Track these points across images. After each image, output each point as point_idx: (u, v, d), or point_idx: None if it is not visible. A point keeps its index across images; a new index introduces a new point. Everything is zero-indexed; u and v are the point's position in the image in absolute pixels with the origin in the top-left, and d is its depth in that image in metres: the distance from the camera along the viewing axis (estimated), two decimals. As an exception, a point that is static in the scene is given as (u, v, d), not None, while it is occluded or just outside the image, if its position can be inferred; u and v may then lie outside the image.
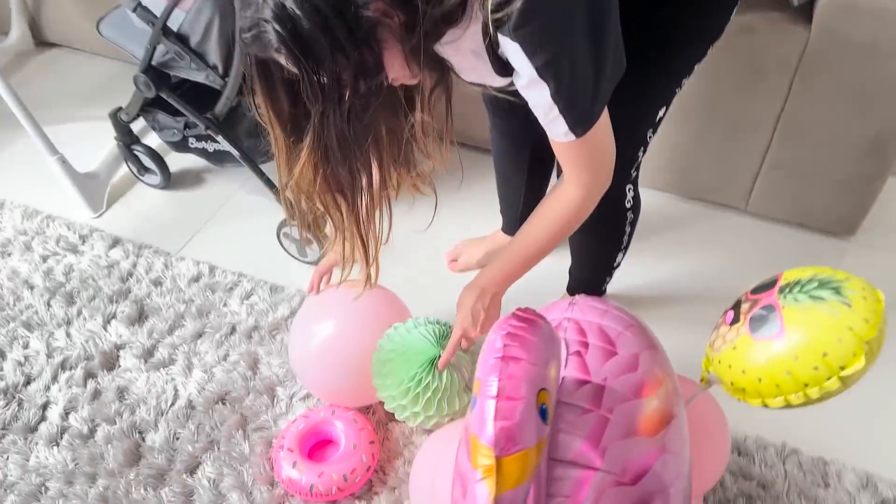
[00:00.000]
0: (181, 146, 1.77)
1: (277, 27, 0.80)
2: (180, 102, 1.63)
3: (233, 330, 1.59)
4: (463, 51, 0.93)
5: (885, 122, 1.55)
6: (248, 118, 1.65)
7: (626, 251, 1.45)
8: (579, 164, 1.01)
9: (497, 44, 0.90)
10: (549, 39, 0.86)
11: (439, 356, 1.18)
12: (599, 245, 1.40)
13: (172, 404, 1.47)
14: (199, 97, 1.66)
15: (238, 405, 1.45)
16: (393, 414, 1.41)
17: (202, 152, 1.75)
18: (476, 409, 0.56)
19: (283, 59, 0.85)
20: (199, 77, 1.56)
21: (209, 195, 1.96)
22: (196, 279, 1.71)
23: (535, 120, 0.98)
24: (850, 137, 1.60)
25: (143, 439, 1.41)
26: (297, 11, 0.79)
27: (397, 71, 0.89)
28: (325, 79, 0.84)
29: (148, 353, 1.56)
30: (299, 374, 1.41)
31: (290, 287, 1.68)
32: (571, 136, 0.95)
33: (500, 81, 0.99)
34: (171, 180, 1.96)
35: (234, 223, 1.89)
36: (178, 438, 1.41)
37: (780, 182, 1.74)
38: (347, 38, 0.81)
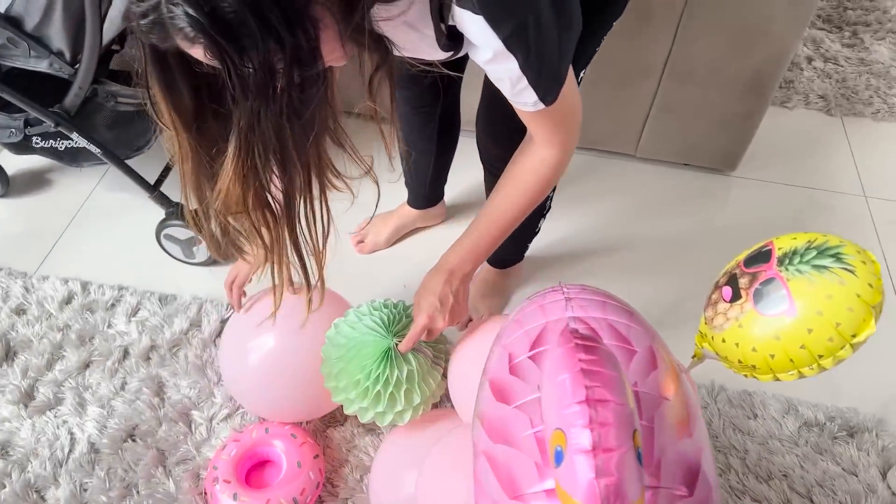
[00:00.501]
0: (22, 147, 1.50)
1: (192, 11, 0.66)
2: (17, 97, 1.37)
3: (125, 353, 1.40)
4: (396, 24, 0.82)
5: (764, 60, 1.61)
6: (106, 108, 1.42)
7: (545, 216, 1.42)
8: (551, 127, 0.94)
9: (448, 16, 0.80)
10: (514, 6, 0.78)
11: (394, 345, 1.08)
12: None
13: (71, 451, 1.27)
14: (42, 87, 1.40)
15: (151, 439, 1.28)
16: (330, 418, 1.32)
17: (50, 152, 1.50)
18: (566, 465, 0.49)
19: (194, 49, 0.70)
20: (41, 66, 1.31)
21: (60, 198, 1.70)
22: (68, 300, 1.48)
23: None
24: (732, 76, 1.65)
25: (44, 498, 1.22)
26: None
27: (331, 53, 0.77)
28: (254, 70, 0.71)
29: (26, 396, 1.33)
30: (239, 396, 1.27)
31: (182, 294, 1.50)
32: (541, 105, 0.88)
33: (440, 56, 0.90)
34: (9, 186, 1.67)
35: (98, 227, 1.65)
36: (86, 490, 1.22)
37: (666, 125, 1.77)
38: (280, 20, 0.68)
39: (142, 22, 0.70)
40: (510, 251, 1.47)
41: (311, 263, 0.94)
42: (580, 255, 1.67)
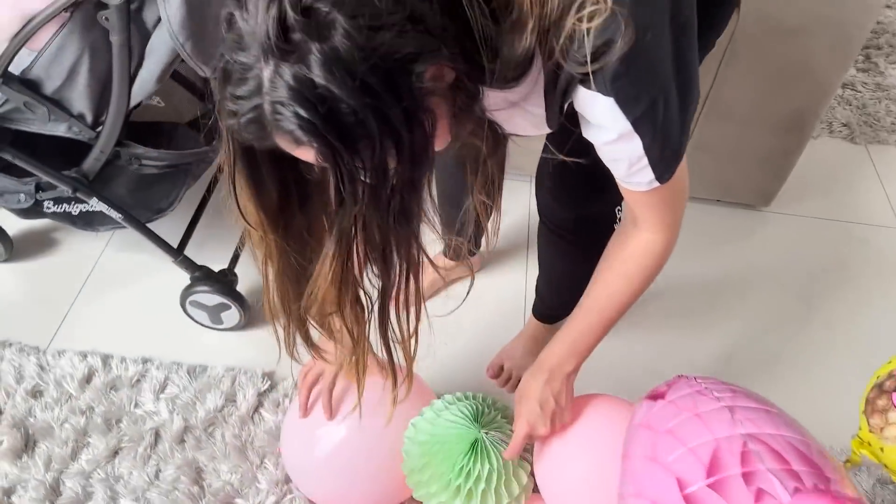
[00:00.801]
0: (32, 212, 1.38)
1: (305, 113, 0.59)
2: (30, 162, 1.25)
3: (157, 437, 1.29)
4: (498, 102, 0.75)
5: (805, 98, 1.56)
6: (128, 171, 1.31)
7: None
8: (661, 207, 0.87)
9: (569, 96, 0.73)
10: (648, 86, 0.72)
11: (482, 437, 1.00)
12: (589, 267, 1.28)
13: (107, 553, 1.16)
14: (50, 146, 1.28)
15: (194, 534, 1.18)
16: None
17: (63, 216, 1.38)
18: None
19: (299, 151, 0.63)
20: (59, 130, 1.20)
21: (69, 261, 1.58)
22: (88, 378, 1.36)
23: None
24: (773, 114, 1.60)
25: None
26: (335, 90, 0.58)
27: (439, 143, 0.70)
28: (366, 171, 0.64)
29: (52, 492, 1.21)
30: (303, 486, 1.18)
31: (212, 365, 1.39)
32: (656, 184, 0.81)
33: (541, 132, 0.83)
34: (13, 250, 1.55)
35: (112, 292, 1.53)
36: None
37: (703, 163, 1.72)
38: (401, 118, 0.61)
39: (238, 121, 0.63)
40: (565, 306, 1.39)
41: (398, 355, 0.87)
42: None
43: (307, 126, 0.59)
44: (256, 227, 0.77)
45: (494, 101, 0.73)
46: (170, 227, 1.43)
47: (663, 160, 0.79)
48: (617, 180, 0.85)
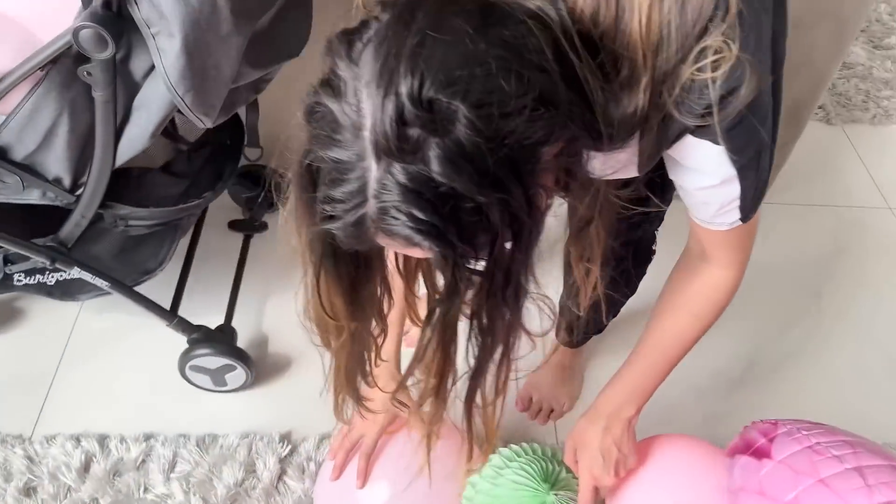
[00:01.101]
0: (1, 286, 1.22)
1: (421, 214, 0.51)
2: (-2, 235, 1.10)
3: (175, 523, 1.17)
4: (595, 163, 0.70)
5: (802, 89, 1.54)
6: (113, 233, 1.17)
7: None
8: (736, 244, 0.83)
9: (671, 144, 0.67)
10: (757, 133, 0.67)
11: (552, 501, 0.93)
12: (629, 290, 1.23)
13: None
14: (20, 210, 1.13)
15: None
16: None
17: (37, 288, 1.23)
18: None
19: (409, 250, 0.57)
20: (31, 198, 1.05)
21: (41, 332, 1.42)
22: (86, 466, 1.22)
23: None
24: (769, 108, 1.57)
25: None
26: (460, 188, 0.51)
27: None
28: (480, 259, 0.57)
29: None
30: None
31: (223, 432, 1.27)
32: (738, 223, 0.77)
33: (624, 177, 0.76)
34: (-25, 326, 1.38)
35: (96, 362, 1.39)
36: None
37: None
38: (522, 204, 0.55)
39: (334, 226, 0.56)
40: (593, 328, 1.34)
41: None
42: (628, 314, 1.55)
43: (425, 229, 0.52)
44: (341, 320, 0.70)
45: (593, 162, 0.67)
46: (154, 283, 1.29)
47: (753, 201, 0.75)
48: (695, 220, 0.80)
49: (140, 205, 1.13)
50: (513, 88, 0.50)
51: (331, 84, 0.53)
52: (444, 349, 0.66)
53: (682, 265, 0.92)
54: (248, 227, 1.54)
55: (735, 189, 0.71)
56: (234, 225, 1.54)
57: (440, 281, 0.60)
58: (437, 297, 0.64)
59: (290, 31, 1.04)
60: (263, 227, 1.56)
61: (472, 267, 0.58)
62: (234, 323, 1.36)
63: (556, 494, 0.94)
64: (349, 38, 0.53)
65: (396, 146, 0.49)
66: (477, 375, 0.70)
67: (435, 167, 0.49)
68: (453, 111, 0.49)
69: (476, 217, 0.52)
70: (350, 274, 0.67)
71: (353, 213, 0.53)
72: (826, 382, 1.46)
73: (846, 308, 1.60)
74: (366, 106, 0.50)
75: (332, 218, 0.54)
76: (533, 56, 0.53)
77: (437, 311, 0.63)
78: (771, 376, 1.48)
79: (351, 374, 0.82)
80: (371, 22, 0.54)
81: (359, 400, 0.86)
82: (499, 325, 0.65)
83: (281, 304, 1.49)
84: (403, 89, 0.49)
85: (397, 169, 0.50)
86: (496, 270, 0.58)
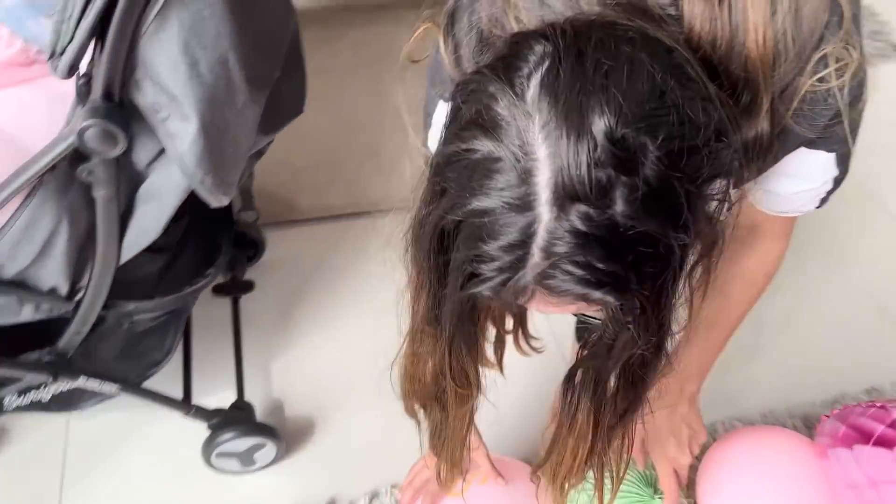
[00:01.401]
0: (-10, 414, 1.09)
1: (602, 265, 0.47)
2: (-13, 361, 0.97)
3: None
4: None
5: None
6: (118, 332, 1.06)
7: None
8: (791, 221, 0.83)
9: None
10: (855, 137, 0.66)
11: (658, 500, 0.93)
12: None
13: None
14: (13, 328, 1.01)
15: None
16: None
17: (33, 407, 1.09)
18: None
19: (569, 307, 0.52)
20: (24, 315, 0.93)
21: (33, 444, 1.28)
22: (127, 587, 1.11)
23: None
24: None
25: None
26: (649, 227, 0.47)
27: None
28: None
29: None
30: None
31: (259, 512, 1.19)
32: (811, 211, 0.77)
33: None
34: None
35: (105, 466, 1.26)
36: None
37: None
38: (691, 243, 0.52)
39: (488, 285, 0.50)
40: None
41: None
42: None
43: (606, 280, 0.47)
44: (467, 386, 0.66)
45: None
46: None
47: (832, 193, 0.75)
48: (763, 209, 0.78)
49: (145, 297, 1.03)
50: (699, 119, 0.47)
51: (483, 124, 0.47)
52: (596, 409, 0.62)
53: (741, 245, 0.91)
54: (234, 288, 1.44)
55: (828, 187, 0.71)
56: (219, 289, 1.44)
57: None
58: (586, 355, 0.60)
59: (293, 88, 0.96)
60: (249, 286, 1.46)
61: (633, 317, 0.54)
62: (246, 395, 1.27)
63: (660, 498, 0.94)
64: (507, 73, 0.47)
65: (584, 191, 0.44)
66: (622, 423, 0.67)
67: (622, 209, 0.45)
68: (643, 147, 0.45)
69: (657, 261, 0.48)
70: (476, 335, 0.63)
71: (508, 270, 0.47)
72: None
73: (826, 258, 1.65)
74: (540, 149, 0.45)
75: (477, 278, 0.49)
76: (696, 85, 0.49)
77: (586, 369, 0.59)
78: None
79: (458, 439, 0.78)
80: (524, 52, 0.47)
81: (461, 471, 0.81)
82: (650, 375, 0.62)
83: (287, 365, 1.40)
84: (598, 128, 0.44)
85: (576, 216, 0.44)
86: (653, 316, 0.54)
